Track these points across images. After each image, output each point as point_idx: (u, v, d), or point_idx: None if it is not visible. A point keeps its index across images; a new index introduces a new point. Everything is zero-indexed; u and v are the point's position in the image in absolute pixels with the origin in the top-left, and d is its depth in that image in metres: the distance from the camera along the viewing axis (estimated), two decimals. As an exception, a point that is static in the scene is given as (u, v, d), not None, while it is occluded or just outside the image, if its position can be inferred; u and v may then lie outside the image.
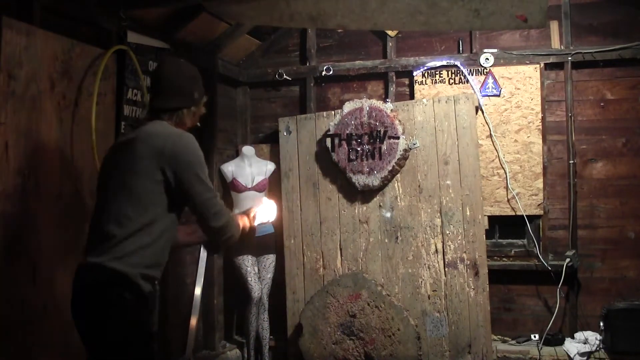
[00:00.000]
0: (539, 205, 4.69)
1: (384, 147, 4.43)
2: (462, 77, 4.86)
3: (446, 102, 4.44)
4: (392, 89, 5.04)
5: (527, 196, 4.71)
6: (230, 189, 4.81)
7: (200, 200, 2.17)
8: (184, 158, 2.14)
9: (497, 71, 4.79)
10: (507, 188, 4.72)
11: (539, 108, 4.71)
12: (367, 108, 4.51)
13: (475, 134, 4.40)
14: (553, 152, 4.75)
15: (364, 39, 5.20)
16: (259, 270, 4.68)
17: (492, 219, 4.80)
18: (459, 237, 4.31)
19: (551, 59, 4.71)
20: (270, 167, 4.91)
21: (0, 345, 2.70)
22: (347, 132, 4.51)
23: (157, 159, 2.12)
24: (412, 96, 4.96)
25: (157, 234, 2.14)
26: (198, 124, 2.44)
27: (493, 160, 4.77)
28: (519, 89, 4.75)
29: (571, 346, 4.38)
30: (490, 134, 4.76)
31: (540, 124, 4.70)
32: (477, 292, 4.25)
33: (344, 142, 4.54)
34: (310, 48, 5.26)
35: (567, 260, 4.52)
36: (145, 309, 2.14)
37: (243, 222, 2.44)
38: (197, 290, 4.62)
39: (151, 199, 2.13)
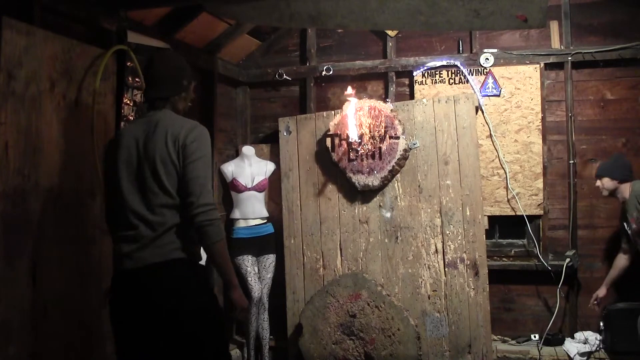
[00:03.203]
0: (539, 205, 4.69)
1: (384, 147, 4.43)
2: (462, 77, 4.87)
3: (446, 102, 4.44)
4: (392, 89, 5.04)
5: (527, 196, 4.71)
6: (230, 189, 4.82)
7: (197, 181, 2.32)
8: (196, 146, 2.34)
9: (497, 71, 4.79)
10: (507, 188, 4.72)
11: (539, 108, 4.71)
12: (367, 108, 4.51)
13: (475, 134, 4.40)
14: (553, 152, 4.75)
15: (364, 39, 5.20)
16: (259, 270, 4.68)
17: (492, 219, 4.80)
18: (459, 237, 4.31)
19: (551, 59, 4.72)
20: (270, 167, 4.91)
21: (1, 345, 2.70)
22: (347, 132, 4.51)
23: (175, 146, 2.33)
24: (412, 96, 4.96)
25: (182, 213, 2.34)
26: (189, 103, 2.62)
27: (493, 160, 4.77)
28: (519, 89, 4.75)
29: (571, 346, 4.38)
30: (490, 134, 4.76)
31: (540, 124, 4.70)
32: (477, 292, 4.25)
33: (344, 142, 4.54)
34: (310, 48, 5.26)
35: (567, 260, 4.53)
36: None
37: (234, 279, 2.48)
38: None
39: (173, 183, 2.33)
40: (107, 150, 2.52)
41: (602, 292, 4.20)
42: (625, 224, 4.05)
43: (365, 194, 4.53)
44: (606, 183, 4.06)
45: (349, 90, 4.48)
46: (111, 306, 2.41)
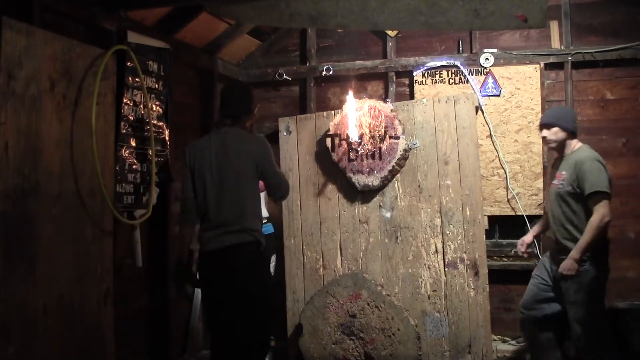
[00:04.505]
0: (539, 205, 4.69)
1: (384, 147, 4.43)
2: (462, 77, 4.87)
3: (446, 102, 4.43)
4: (392, 89, 5.04)
5: (527, 196, 4.71)
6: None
7: (274, 179, 3.27)
8: (266, 156, 3.25)
9: (497, 71, 4.79)
10: (507, 188, 4.72)
11: (539, 108, 4.72)
12: (367, 108, 4.51)
13: (475, 134, 4.39)
14: (553, 152, 4.74)
15: (364, 39, 5.20)
16: (259, 270, 4.69)
17: (492, 219, 4.80)
18: (459, 237, 4.31)
19: (551, 59, 4.72)
20: (270, 167, 4.92)
21: (1, 345, 2.70)
22: (347, 132, 4.51)
23: (252, 157, 3.18)
24: (412, 96, 4.97)
25: (259, 207, 3.31)
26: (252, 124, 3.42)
27: (493, 160, 4.77)
28: (519, 89, 4.76)
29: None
30: (490, 134, 4.76)
31: (540, 124, 4.71)
32: (477, 292, 4.25)
33: (344, 142, 4.54)
34: (310, 48, 5.26)
35: (567, 260, 4.52)
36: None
37: None
38: (197, 290, 4.62)
39: (248, 189, 3.18)
40: (192, 160, 3.21)
41: (528, 238, 4.04)
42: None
43: (365, 194, 4.53)
44: (557, 133, 3.69)
45: (350, 97, 4.47)
46: (202, 271, 3.24)
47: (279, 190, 3.34)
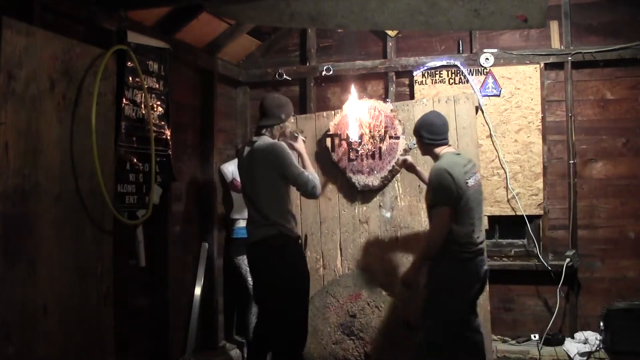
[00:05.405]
0: (539, 205, 4.69)
1: (384, 147, 4.43)
2: (462, 77, 4.87)
3: (446, 102, 4.43)
4: (392, 89, 5.04)
5: (527, 196, 4.71)
6: (230, 189, 4.81)
7: (296, 180, 3.48)
8: (282, 163, 3.44)
9: (497, 71, 4.79)
10: (507, 188, 4.72)
11: (539, 108, 4.72)
12: (367, 108, 4.50)
13: (475, 134, 4.39)
14: (553, 152, 4.75)
15: (364, 39, 5.20)
16: (259, 270, 4.70)
17: (492, 219, 4.80)
18: (459, 237, 4.30)
19: (551, 59, 4.72)
20: (271, 167, 4.93)
21: (0, 345, 2.70)
22: (347, 132, 4.51)
23: (271, 165, 3.45)
24: (412, 96, 4.96)
25: (289, 206, 3.58)
26: (288, 134, 3.70)
27: (493, 160, 4.77)
28: (519, 89, 4.76)
29: (571, 346, 4.38)
30: (490, 134, 4.76)
31: (540, 124, 4.71)
32: (477, 292, 4.24)
33: (344, 142, 4.54)
34: (310, 48, 5.26)
35: (567, 260, 4.53)
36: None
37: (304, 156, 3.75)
38: (197, 290, 4.62)
39: (273, 190, 3.49)
40: (238, 162, 3.73)
41: (410, 160, 3.98)
42: None
43: (365, 194, 4.53)
44: (417, 143, 3.67)
45: (353, 91, 4.45)
46: (248, 260, 3.68)
47: (305, 191, 3.55)
